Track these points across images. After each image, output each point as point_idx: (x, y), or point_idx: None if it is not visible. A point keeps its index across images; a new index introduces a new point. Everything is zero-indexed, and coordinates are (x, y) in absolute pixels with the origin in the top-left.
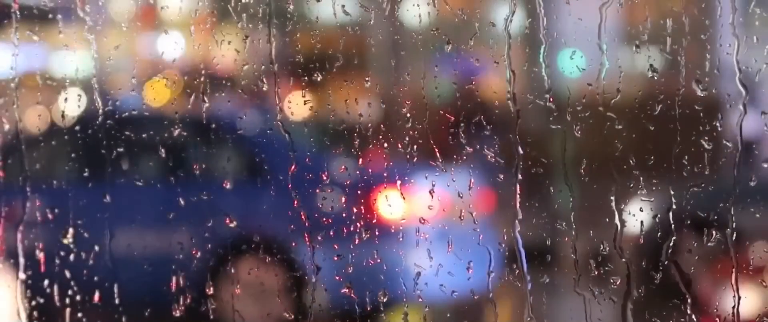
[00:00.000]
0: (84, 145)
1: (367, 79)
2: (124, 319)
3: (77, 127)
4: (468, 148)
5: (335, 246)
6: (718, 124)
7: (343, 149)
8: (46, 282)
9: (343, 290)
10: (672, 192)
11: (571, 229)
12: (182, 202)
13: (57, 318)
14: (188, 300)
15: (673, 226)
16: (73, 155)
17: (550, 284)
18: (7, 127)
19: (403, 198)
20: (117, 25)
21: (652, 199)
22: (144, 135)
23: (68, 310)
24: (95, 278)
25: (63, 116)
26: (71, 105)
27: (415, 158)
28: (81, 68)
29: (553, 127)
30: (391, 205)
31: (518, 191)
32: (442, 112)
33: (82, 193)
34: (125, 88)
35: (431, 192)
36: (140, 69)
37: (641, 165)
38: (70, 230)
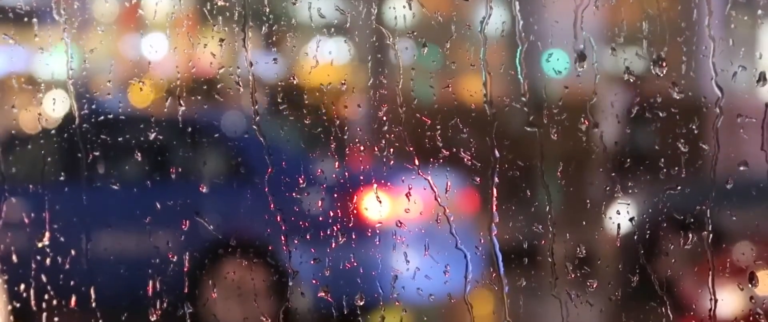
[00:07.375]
0: (62, 148)
1: (343, 82)
2: None
3: (54, 131)
4: (445, 151)
5: (312, 250)
6: (694, 126)
7: (320, 152)
8: (22, 286)
9: (320, 294)
10: (649, 195)
11: (548, 232)
12: (159, 206)
13: None
14: (166, 304)
15: (649, 228)
16: (49, 159)
17: (527, 286)
18: None
19: (380, 201)
20: (96, 27)
21: (629, 202)
22: (120, 138)
23: (45, 314)
24: (72, 282)
25: (41, 119)
26: (49, 108)
27: (392, 161)
28: (59, 71)
29: (530, 129)
30: (368, 208)
31: (495, 193)
32: (418, 115)
33: (60, 196)
34: (104, 91)
35: (408, 195)
36: (119, 71)
37: (618, 167)
38: (47, 234)
